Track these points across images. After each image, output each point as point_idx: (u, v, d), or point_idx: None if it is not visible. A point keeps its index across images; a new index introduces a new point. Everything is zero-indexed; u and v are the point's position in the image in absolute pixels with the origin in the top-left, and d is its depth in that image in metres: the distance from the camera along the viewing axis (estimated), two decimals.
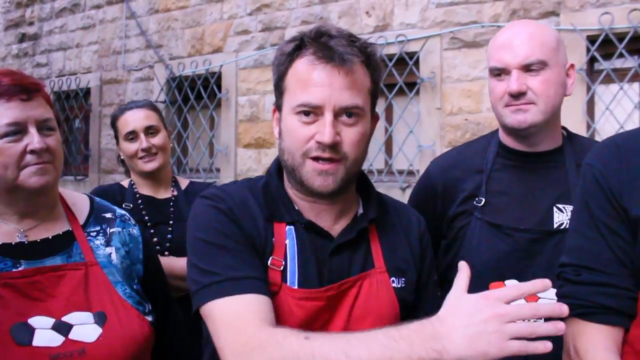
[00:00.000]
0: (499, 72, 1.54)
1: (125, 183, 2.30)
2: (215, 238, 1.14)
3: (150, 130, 2.20)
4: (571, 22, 4.41)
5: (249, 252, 1.14)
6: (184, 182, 2.38)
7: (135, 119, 2.19)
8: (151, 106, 2.29)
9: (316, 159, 1.15)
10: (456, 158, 1.72)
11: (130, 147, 2.19)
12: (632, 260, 1.08)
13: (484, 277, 1.50)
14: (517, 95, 1.49)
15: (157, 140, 2.21)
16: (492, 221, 1.54)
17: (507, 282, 1.48)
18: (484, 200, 1.57)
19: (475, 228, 1.57)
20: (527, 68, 1.50)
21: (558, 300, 1.15)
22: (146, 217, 2.18)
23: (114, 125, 2.28)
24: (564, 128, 1.67)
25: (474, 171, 1.63)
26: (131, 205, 2.17)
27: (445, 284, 1.67)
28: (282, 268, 1.16)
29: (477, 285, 1.52)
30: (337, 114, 1.15)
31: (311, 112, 1.15)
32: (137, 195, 2.23)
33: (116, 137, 2.27)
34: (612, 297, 1.08)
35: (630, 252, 1.08)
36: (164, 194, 2.28)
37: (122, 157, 2.31)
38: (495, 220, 1.54)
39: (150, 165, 2.19)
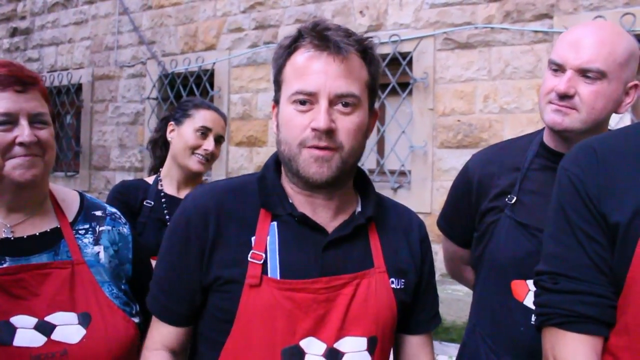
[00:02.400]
0: (556, 67, 1.50)
1: (150, 180, 2.30)
2: (171, 250, 1.27)
3: (219, 139, 2.28)
4: (564, 25, 4.41)
5: (188, 280, 1.23)
6: None
7: (215, 121, 2.25)
8: (226, 120, 2.38)
9: (313, 147, 1.15)
10: (495, 153, 1.72)
11: (198, 140, 2.21)
12: (610, 268, 1.06)
13: (507, 274, 1.52)
14: (563, 97, 1.46)
15: (218, 150, 2.28)
16: (519, 220, 1.54)
17: (529, 281, 1.48)
18: (515, 198, 1.57)
19: (503, 225, 1.57)
20: (583, 72, 1.45)
21: (536, 310, 1.15)
22: (167, 217, 2.19)
23: (186, 110, 2.26)
24: None
25: (510, 168, 1.62)
26: (152, 203, 2.19)
27: (474, 275, 1.76)
28: (262, 261, 1.16)
29: (499, 281, 1.55)
30: (332, 102, 1.14)
31: (307, 100, 1.14)
32: (162, 194, 2.24)
33: (178, 119, 2.26)
34: (591, 306, 1.06)
35: (609, 259, 1.06)
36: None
37: (168, 140, 2.28)
38: (522, 220, 1.54)
39: (200, 167, 2.23)
